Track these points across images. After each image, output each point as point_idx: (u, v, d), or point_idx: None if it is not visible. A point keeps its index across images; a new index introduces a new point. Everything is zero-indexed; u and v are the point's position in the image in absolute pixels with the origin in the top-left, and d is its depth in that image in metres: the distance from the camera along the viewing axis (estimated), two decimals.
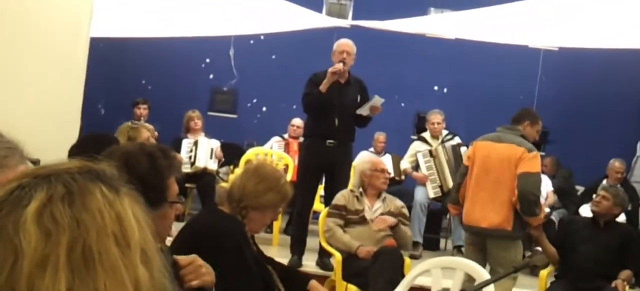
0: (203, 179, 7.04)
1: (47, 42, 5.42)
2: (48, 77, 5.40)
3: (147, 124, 4.93)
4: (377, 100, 5.62)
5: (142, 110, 7.65)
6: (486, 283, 2.65)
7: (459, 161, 7.00)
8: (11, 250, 0.74)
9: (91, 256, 0.74)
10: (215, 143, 7.40)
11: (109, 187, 0.80)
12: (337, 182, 5.59)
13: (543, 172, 7.30)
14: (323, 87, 5.48)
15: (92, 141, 3.17)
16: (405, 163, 7.25)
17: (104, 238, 0.76)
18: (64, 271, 0.73)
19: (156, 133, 5.42)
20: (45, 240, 0.74)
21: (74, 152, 3.02)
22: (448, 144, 7.06)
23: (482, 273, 3.42)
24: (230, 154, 7.71)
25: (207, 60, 10.00)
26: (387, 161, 7.65)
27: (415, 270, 3.64)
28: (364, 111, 5.59)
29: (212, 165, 7.27)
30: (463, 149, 7.19)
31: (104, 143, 2.70)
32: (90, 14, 5.79)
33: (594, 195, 5.28)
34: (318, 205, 6.49)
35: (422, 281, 3.99)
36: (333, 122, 5.58)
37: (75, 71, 5.65)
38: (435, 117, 7.11)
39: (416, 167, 7.10)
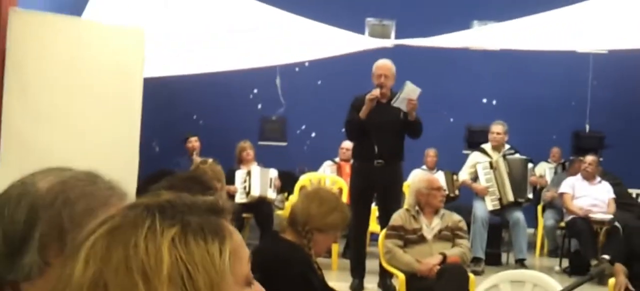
0: (260, 208, 7.11)
1: (103, 86, 5.59)
2: (107, 119, 5.56)
3: (214, 164, 5.02)
4: (409, 89, 5.46)
5: (194, 143, 7.80)
6: None
7: (524, 175, 6.92)
8: (64, 284, 0.80)
9: (108, 287, 0.77)
10: (274, 173, 7.49)
11: (164, 218, 0.80)
12: (389, 202, 5.59)
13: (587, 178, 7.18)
14: (362, 114, 5.51)
15: (162, 178, 3.25)
16: (464, 175, 7.18)
17: (127, 270, 0.77)
18: None
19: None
20: (83, 271, 0.78)
21: (143, 189, 3.11)
22: (511, 157, 6.98)
23: (551, 285, 3.36)
24: (284, 182, 7.78)
25: (255, 91, 10.15)
26: (440, 177, 7.58)
27: (483, 285, 3.59)
28: (398, 103, 5.50)
29: (271, 194, 7.35)
30: (530, 165, 7.12)
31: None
32: (143, 55, 5.96)
33: None
34: (374, 226, 6.48)
35: None
36: (378, 142, 5.58)
37: (132, 112, 5.80)
38: (497, 128, 7.05)
39: (475, 179, 7.03)
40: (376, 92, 5.49)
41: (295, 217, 2.96)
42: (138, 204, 0.84)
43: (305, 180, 7.36)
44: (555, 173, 8.60)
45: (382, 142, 5.57)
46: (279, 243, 2.98)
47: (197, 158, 7.29)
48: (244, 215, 7.17)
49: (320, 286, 2.90)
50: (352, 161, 6.29)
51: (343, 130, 7.79)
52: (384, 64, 5.70)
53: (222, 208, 0.87)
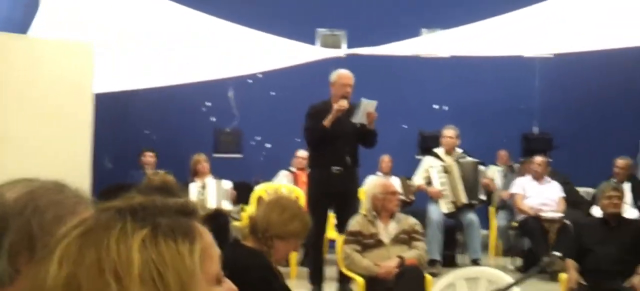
0: (216, 220, 7.07)
1: (53, 103, 5.51)
2: (57, 135, 5.48)
3: (166, 175, 4.99)
4: (367, 104, 5.58)
5: (149, 158, 7.73)
6: (509, 286, 2.67)
7: (476, 178, 7.06)
8: (39, 287, 0.81)
9: (81, 288, 0.78)
10: (228, 184, 7.47)
11: (136, 221, 0.82)
12: (347, 208, 5.64)
13: (536, 178, 7.38)
14: (327, 123, 5.55)
15: (116, 193, 3.23)
16: (419, 179, 7.27)
17: (99, 271, 0.79)
18: None
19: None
20: (56, 274, 0.80)
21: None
22: (464, 160, 7.11)
23: (505, 280, 3.44)
24: (240, 193, 7.76)
25: (208, 104, 10.10)
26: (395, 183, 7.67)
27: (440, 284, 3.67)
28: (358, 119, 5.60)
29: (227, 206, 7.32)
30: (482, 168, 7.26)
31: (128, 191, 2.76)
32: (92, 70, 5.89)
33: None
34: (332, 233, 6.52)
35: None
36: (337, 150, 5.64)
37: (83, 128, 5.73)
38: (449, 132, 7.18)
39: (428, 182, 7.13)
40: (344, 103, 5.55)
41: (255, 225, 2.98)
42: (110, 207, 0.86)
43: (261, 190, 7.35)
44: (505, 176, 8.79)
45: (341, 150, 5.63)
46: (240, 249, 2.99)
47: (149, 172, 7.23)
48: None
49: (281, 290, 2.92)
50: (309, 169, 6.32)
51: (298, 139, 7.87)
52: (348, 74, 5.75)
53: (192, 209, 0.90)
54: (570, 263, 4.99)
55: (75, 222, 0.85)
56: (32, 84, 5.48)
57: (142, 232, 0.81)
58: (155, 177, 3.95)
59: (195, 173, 7.54)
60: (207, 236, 0.88)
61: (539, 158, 7.56)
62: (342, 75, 5.76)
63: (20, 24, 7.10)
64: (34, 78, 5.50)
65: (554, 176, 7.65)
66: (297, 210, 3.00)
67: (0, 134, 5.22)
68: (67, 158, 5.46)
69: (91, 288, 0.78)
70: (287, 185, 7.67)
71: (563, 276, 5.06)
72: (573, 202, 7.51)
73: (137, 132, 9.61)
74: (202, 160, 7.55)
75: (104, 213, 0.85)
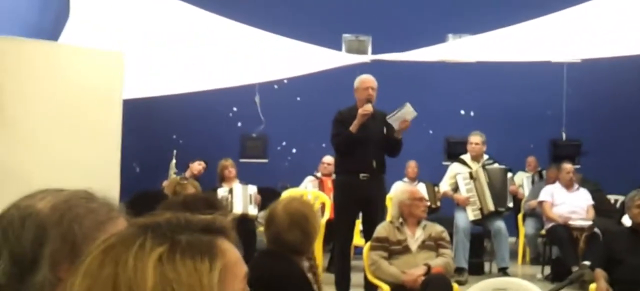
0: (243, 225, 7.11)
1: (83, 110, 5.59)
2: (87, 142, 5.55)
3: (193, 181, 5.07)
4: (408, 110, 5.57)
5: (199, 167, 7.91)
6: None
7: (503, 185, 7.00)
8: None
9: None
10: (253, 189, 7.50)
11: (155, 238, 0.83)
12: (374, 215, 5.62)
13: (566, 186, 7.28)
14: (354, 129, 5.55)
15: (143, 199, 3.26)
16: (445, 186, 7.23)
17: (113, 287, 0.80)
18: None
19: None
20: (79, 288, 0.82)
21: (128, 210, 3.12)
22: (490, 167, 7.05)
23: None
24: (265, 198, 7.78)
25: (235, 109, 10.17)
26: (421, 189, 7.66)
27: None
28: (393, 120, 5.59)
29: (253, 211, 7.36)
30: (509, 175, 7.20)
31: (155, 200, 2.78)
32: (122, 78, 5.96)
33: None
34: (358, 240, 6.51)
35: None
36: (364, 156, 5.63)
37: (112, 134, 5.80)
38: (475, 138, 7.12)
39: (455, 189, 7.09)
40: (369, 107, 5.54)
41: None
42: (135, 223, 0.88)
43: (287, 196, 7.37)
44: (533, 182, 8.70)
45: (368, 156, 5.62)
46: (273, 258, 2.98)
47: (174, 176, 7.31)
48: None
49: None
50: (334, 175, 6.32)
51: (323, 145, 7.88)
52: (369, 78, 5.76)
53: (218, 226, 0.90)
54: (600, 273, 4.92)
55: (105, 237, 0.87)
56: (61, 91, 5.56)
57: (159, 249, 0.82)
58: (185, 182, 3.99)
59: (222, 179, 7.59)
60: (231, 254, 0.88)
61: (567, 166, 7.46)
62: (364, 79, 5.76)
63: (51, 30, 7.22)
64: (63, 85, 5.58)
65: (584, 183, 7.54)
66: (299, 218, 2.94)
67: (29, 141, 5.30)
68: (97, 165, 5.52)
69: None
70: (313, 191, 7.68)
71: (592, 286, 4.98)
72: (603, 210, 7.40)
73: (165, 137, 9.71)
74: (229, 165, 7.60)
75: (129, 229, 0.87)
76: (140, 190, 6.44)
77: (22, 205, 1.21)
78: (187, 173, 7.78)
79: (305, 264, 3.12)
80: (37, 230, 1.16)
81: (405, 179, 8.59)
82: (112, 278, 0.81)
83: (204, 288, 0.82)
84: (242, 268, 0.90)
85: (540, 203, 7.39)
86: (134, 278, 0.80)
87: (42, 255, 1.15)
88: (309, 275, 3.04)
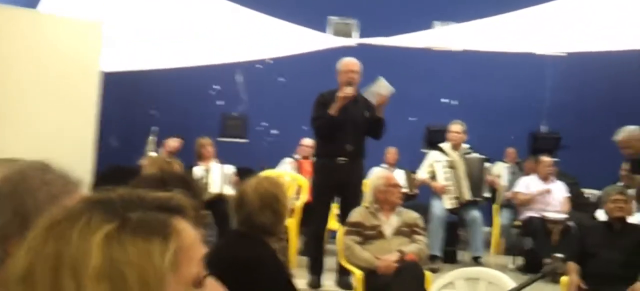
0: (219, 205, 7.06)
1: (59, 79, 5.50)
2: (62, 112, 5.47)
3: (178, 160, 5.02)
4: (381, 84, 5.49)
5: (175, 143, 7.78)
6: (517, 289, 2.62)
7: (481, 175, 7.00)
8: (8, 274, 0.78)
9: (35, 279, 0.76)
10: (230, 169, 7.44)
11: (105, 215, 0.78)
12: (351, 200, 5.60)
13: (542, 177, 7.31)
14: (333, 111, 5.51)
15: (115, 173, 3.21)
16: (423, 173, 7.21)
17: (58, 265, 0.75)
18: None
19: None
20: (23, 262, 0.77)
21: (97, 184, 3.07)
22: (469, 156, 7.04)
23: (505, 282, 3.40)
24: (244, 178, 7.73)
25: (216, 87, 10.07)
26: (399, 176, 7.64)
27: (439, 283, 3.62)
28: (368, 94, 5.53)
29: (229, 191, 7.30)
30: (487, 165, 7.20)
31: (128, 175, 2.73)
32: (100, 49, 5.87)
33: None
34: (333, 224, 6.49)
35: None
36: (343, 140, 5.60)
37: (88, 106, 5.72)
38: (456, 127, 7.10)
39: (433, 177, 7.08)
40: (349, 89, 5.50)
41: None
42: (84, 199, 0.83)
43: (262, 176, 7.32)
44: (513, 173, 8.72)
45: (347, 140, 5.59)
46: (242, 239, 2.95)
47: (156, 154, 7.22)
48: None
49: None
50: (314, 158, 6.28)
51: (304, 127, 7.83)
52: (353, 61, 5.72)
53: (175, 205, 0.85)
54: (572, 266, 4.94)
55: (51, 212, 0.82)
56: (39, 59, 5.48)
57: (108, 226, 0.77)
58: (171, 162, 3.90)
59: (199, 157, 7.52)
60: (187, 234, 0.82)
61: (546, 159, 7.49)
62: (346, 62, 5.73)
63: None
64: (41, 53, 5.50)
65: (561, 177, 7.58)
66: (270, 199, 2.89)
67: (4, 107, 5.21)
68: (71, 135, 5.46)
69: (46, 282, 0.75)
70: (290, 173, 7.64)
71: (564, 279, 5.01)
72: (579, 204, 7.45)
73: (144, 112, 9.60)
74: (207, 144, 7.52)
75: (77, 204, 0.81)
76: (114, 164, 6.37)
77: None
78: (163, 151, 7.68)
79: (275, 245, 3.09)
80: None
81: (384, 165, 8.57)
82: (53, 255, 0.76)
83: (155, 269, 0.77)
84: (199, 251, 0.84)
85: (515, 193, 7.43)
86: (77, 256, 0.75)
87: None
88: (280, 257, 3.01)
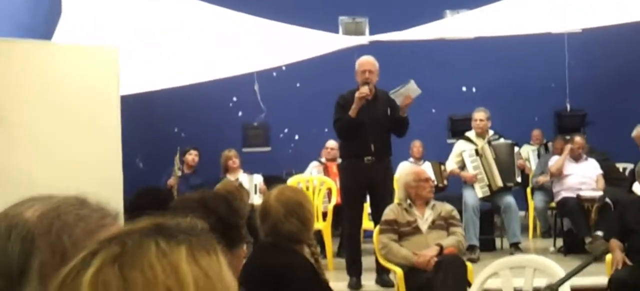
0: (250, 216, 7.05)
1: (80, 108, 5.50)
2: (87, 141, 5.47)
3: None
4: (411, 87, 5.48)
5: (194, 156, 7.79)
6: (569, 277, 2.56)
7: (511, 160, 6.90)
8: None
9: None
10: (259, 178, 7.42)
11: (168, 238, 0.79)
12: (380, 198, 5.56)
13: (575, 157, 7.18)
14: (352, 112, 5.48)
15: (146, 196, 3.19)
16: (452, 164, 7.12)
17: None
18: None
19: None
20: None
21: (130, 209, 3.04)
22: (496, 142, 6.95)
23: (552, 268, 3.33)
24: (270, 186, 7.71)
25: (234, 99, 10.07)
26: (427, 168, 7.58)
27: (484, 273, 3.56)
28: (396, 95, 5.51)
29: (258, 201, 7.28)
30: (516, 149, 7.09)
31: (158, 196, 2.71)
32: (118, 74, 5.87)
33: None
34: (367, 224, 6.45)
35: (489, 283, 3.89)
36: (367, 139, 5.56)
37: (111, 131, 5.71)
38: (479, 114, 7.01)
39: (462, 167, 7.00)
40: (365, 89, 5.46)
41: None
42: (129, 231, 0.82)
43: (293, 183, 7.30)
44: (539, 155, 8.61)
45: (371, 139, 5.54)
46: (276, 250, 2.92)
47: (230, 177, 7.26)
48: None
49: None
50: (339, 160, 6.24)
51: (326, 130, 7.79)
52: (368, 60, 5.68)
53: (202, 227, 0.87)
54: (615, 243, 4.84)
55: (88, 251, 0.80)
56: (58, 90, 5.47)
57: (181, 248, 0.79)
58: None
59: (226, 170, 7.51)
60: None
61: (578, 138, 7.34)
62: (361, 61, 5.69)
63: (44, 30, 7.11)
64: (59, 84, 5.49)
65: (592, 153, 7.44)
66: (294, 206, 2.84)
67: (28, 142, 5.22)
68: (98, 163, 5.45)
69: None
70: (318, 177, 7.60)
71: (608, 257, 4.91)
72: (612, 179, 7.30)
73: (167, 131, 9.63)
74: (232, 156, 7.53)
75: (127, 237, 0.80)
76: (145, 187, 6.35)
77: (9, 214, 1.15)
78: (185, 168, 7.71)
79: (305, 252, 3.05)
80: (24, 241, 1.10)
81: (411, 159, 8.51)
82: (143, 284, 0.75)
83: (228, 281, 0.82)
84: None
85: (551, 174, 7.24)
86: (166, 280, 0.76)
87: (30, 267, 1.09)
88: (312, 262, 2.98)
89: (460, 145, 7.10)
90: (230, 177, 7.36)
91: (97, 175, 5.25)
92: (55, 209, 1.14)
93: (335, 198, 6.91)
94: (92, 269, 0.77)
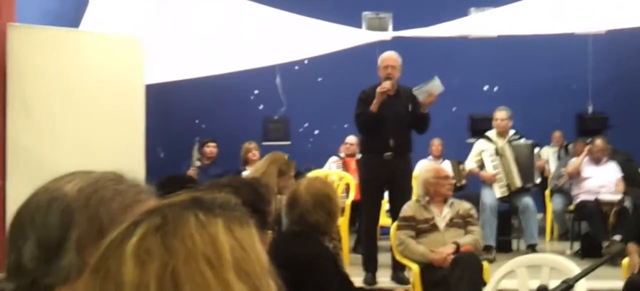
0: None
1: (105, 96, 5.59)
2: (111, 128, 5.56)
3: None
4: (435, 84, 5.49)
5: (212, 148, 7.86)
6: (585, 273, 2.56)
7: (530, 160, 6.86)
8: (115, 286, 0.79)
9: (180, 279, 0.78)
10: None
11: (206, 212, 0.83)
12: (399, 194, 5.58)
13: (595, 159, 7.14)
14: (374, 107, 5.49)
15: (175, 183, 3.25)
16: (471, 163, 7.12)
17: (193, 261, 0.79)
18: None
19: None
20: (140, 270, 0.79)
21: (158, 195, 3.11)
22: (517, 143, 6.93)
23: (568, 266, 3.34)
24: None
25: (256, 92, 10.14)
26: (446, 167, 7.58)
27: (500, 272, 3.57)
28: (418, 93, 5.52)
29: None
30: (536, 150, 7.06)
31: (183, 182, 2.77)
32: (142, 63, 5.95)
33: None
34: (384, 220, 6.47)
35: (504, 283, 3.91)
36: (387, 135, 5.57)
37: (135, 120, 5.80)
38: (500, 114, 6.97)
39: (481, 166, 6.99)
40: (387, 84, 5.48)
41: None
42: (169, 204, 0.86)
43: (313, 176, 7.34)
44: (559, 157, 8.57)
45: (392, 135, 5.57)
46: (298, 240, 2.98)
47: (251, 168, 7.33)
48: None
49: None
50: (359, 155, 6.27)
51: (346, 125, 7.82)
52: (390, 56, 5.69)
53: (236, 202, 0.91)
54: (633, 247, 4.83)
55: (131, 222, 0.84)
56: (84, 78, 5.56)
57: (218, 220, 0.83)
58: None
59: (246, 162, 7.58)
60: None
61: (599, 141, 7.28)
62: (384, 57, 5.71)
63: (72, 17, 7.22)
64: (85, 71, 5.58)
65: (614, 155, 7.38)
66: (322, 198, 2.94)
67: (53, 129, 5.32)
68: (122, 151, 5.54)
69: (189, 276, 0.78)
70: (337, 172, 7.64)
71: (625, 261, 4.90)
72: (635, 180, 7.23)
73: (188, 121, 9.72)
74: (253, 148, 7.59)
75: (168, 208, 0.85)
76: (169, 175, 6.44)
77: (49, 188, 1.19)
78: (204, 159, 7.79)
79: (329, 244, 3.11)
80: (63, 213, 1.15)
81: (430, 157, 8.52)
82: (185, 253, 0.79)
83: (262, 254, 0.86)
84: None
85: (570, 175, 7.21)
86: (205, 250, 0.80)
87: (68, 238, 1.13)
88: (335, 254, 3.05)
89: (480, 145, 7.08)
90: (250, 170, 7.41)
91: (120, 163, 5.31)
92: (93, 183, 1.19)
93: (353, 194, 6.94)
94: (135, 238, 0.81)
